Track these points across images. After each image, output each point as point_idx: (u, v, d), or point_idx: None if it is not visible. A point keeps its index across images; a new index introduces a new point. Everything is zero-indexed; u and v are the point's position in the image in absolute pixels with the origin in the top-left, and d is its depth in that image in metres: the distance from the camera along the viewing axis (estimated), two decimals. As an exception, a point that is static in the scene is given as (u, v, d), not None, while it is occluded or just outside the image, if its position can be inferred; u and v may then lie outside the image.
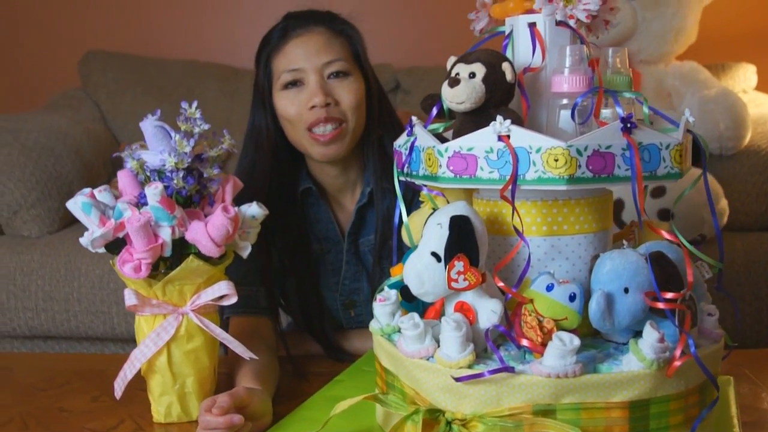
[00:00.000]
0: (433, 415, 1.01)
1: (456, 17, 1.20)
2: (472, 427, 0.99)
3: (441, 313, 1.08)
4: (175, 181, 1.20)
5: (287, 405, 1.28)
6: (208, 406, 1.15)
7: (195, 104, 1.24)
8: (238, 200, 1.28)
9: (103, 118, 2.95)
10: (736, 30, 2.97)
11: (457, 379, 0.98)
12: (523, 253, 1.05)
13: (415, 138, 1.10)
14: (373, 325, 1.13)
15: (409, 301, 1.13)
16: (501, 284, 1.00)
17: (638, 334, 1.01)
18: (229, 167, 1.91)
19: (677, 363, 0.98)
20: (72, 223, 2.42)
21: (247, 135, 1.55)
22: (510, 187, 0.99)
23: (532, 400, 0.97)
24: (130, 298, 1.21)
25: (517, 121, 1.03)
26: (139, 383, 1.26)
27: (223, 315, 1.45)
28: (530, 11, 1.12)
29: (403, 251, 1.19)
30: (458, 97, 1.05)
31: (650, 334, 0.98)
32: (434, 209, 1.12)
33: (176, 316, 1.23)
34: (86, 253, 1.94)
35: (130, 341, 2.19)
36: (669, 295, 0.99)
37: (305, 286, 1.56)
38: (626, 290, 1.01)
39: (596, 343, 1.07)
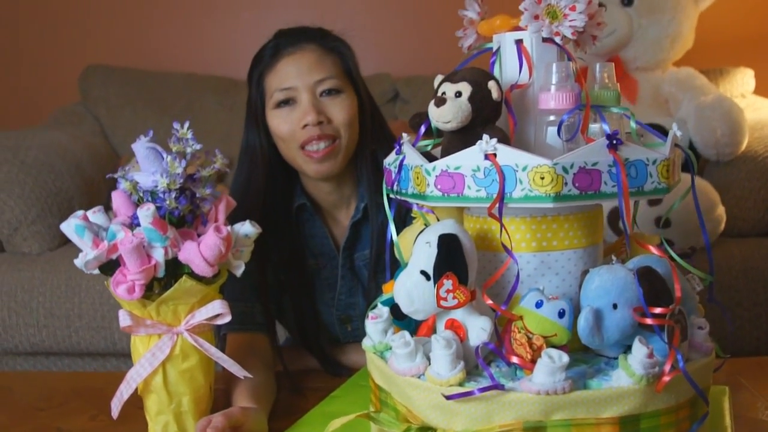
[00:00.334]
0: (425, 432, 1.01)
1: (455, 27, 1.20)
2: (464, 444, 0.99)
3: (433, 330, 1.08)
4: (168, 202, 1.20)
5: (284, 421, 1.29)
6: (203, 426, 1.15)
7: (187, 124, 1.24)
8: (234, 216, 1.29)
9: (103, 133, 2.95)
10: (734, 34, 2.97)
11: (448, 397, 0.98)
12: (513, 269, 1.05)
13: (404, 156, 1.11)
14: (366, 343, 1.14)
15: (400, 318, 1.13)
16: (490, 302, 1.01)
17: (629, 348, 1.01)
18: (229, 181, 1.92)
19: (666, 378, 0.98)
20: (72, 239, 2.43)
21: (242, 152, 1.56)
22: (497, 206, 0.99)
23: (522, 417, 0.97)
24: (124, 319, 1.21)
25: (504, 139, 1.03)
26: (136, 402, 1.26)
27: (219, 332, 1.45)
28: (517, 28, 1.13)
29: (396, 267, 1.19)
30: (444, 116, 1.05)
31: (639, 350, 0.98)
32: (426, 225, 1.13)
33: (171, 336, 1.23)
34: (86, 269, 1.95)
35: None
36: (657, 311, 0.99)
37: (301, 302, 1.57)
38: (615, 306, 1.01)
39: (587, 357, 1.07)
